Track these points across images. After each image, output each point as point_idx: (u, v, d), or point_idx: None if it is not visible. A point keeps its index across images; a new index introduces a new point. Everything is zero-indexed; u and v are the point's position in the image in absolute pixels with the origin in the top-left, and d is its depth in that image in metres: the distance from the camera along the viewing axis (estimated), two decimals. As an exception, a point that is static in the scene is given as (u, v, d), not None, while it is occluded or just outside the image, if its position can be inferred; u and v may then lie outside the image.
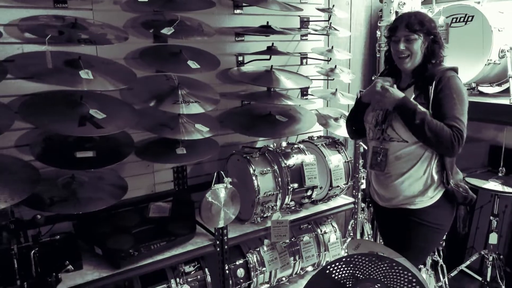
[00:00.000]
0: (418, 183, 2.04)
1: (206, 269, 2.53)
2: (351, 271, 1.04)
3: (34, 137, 2.19)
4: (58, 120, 1.99)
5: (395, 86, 2.06)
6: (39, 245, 2.07)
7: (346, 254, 1.05)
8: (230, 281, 2.61)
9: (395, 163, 2.05)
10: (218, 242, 2.45)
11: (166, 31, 2.33)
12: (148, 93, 2.37)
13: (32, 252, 2.03)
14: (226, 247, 2.48)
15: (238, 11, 2.86)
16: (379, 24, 3.44)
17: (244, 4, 2.83)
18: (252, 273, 2.71)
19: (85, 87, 2.03)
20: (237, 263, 2.67)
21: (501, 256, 3.00)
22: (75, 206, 2.07)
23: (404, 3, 3.26)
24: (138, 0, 2.26)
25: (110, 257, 2.19)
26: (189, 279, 2.48)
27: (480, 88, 3.05)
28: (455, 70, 2.06)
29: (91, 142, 2.18)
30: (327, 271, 1.05)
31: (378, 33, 3.44)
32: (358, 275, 1.02)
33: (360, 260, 1.04)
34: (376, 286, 0.96)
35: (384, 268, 1.03)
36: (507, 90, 2.93)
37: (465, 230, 3.37)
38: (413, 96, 2.02)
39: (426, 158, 2.02)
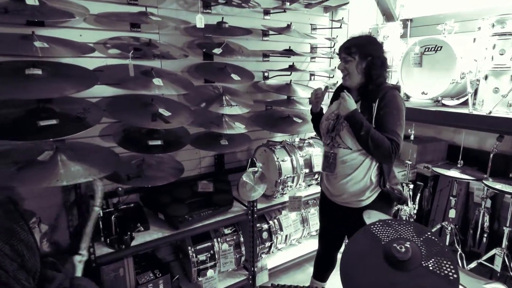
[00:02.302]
0: (359, 184, 1.81)
1: (240, 232, 2.49)
2: (387, 231, 0.99)
3: (115, 129, 2.14)
4: (136, 116, 1.94)
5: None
6: (117, 211, 2.02)
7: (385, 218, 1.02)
8: (258, 241, 2.57)
9: (341, 166, 1.83)
10: (249, 212, 2.41)
11: (216, 50, 2.28)
12: (200, 98, 2.33)
13: (113, 216, 1.99)
14: (255, 215, 2.43)
15: (265, 38, 2.81)
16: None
17: (270, 33, 2.78)
18: (273, 235, 2.67)
19: (156, 91, 1.98)
20: (262, 227, 2.63)
21: (457, 226, 2.97)
22: (145, 181, 2.03)
23: (388, 36, 3.21)
24: (196, 26, 2.19)
25: (171, 221, 2.14)
26: (227, 239, 2.44)
27: (443, 101, 3.02)
28: (397, 88, 1.82)
29: (158, 133, 2.13)
30: (367, 229, 1.01)
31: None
32: (391, 235, 0.98)
33: (395, 224, 1.00)
34: (407, 243, 0.92)
35: (411, 231, 0.99)
36: (465, 102, 2.90)
37: (428, 207, 3.34)
38: (359, 111, 1.76)
39: (367, 164, 1.79)
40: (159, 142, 2.05)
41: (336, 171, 1.85)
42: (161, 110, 2.03)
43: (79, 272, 1.59)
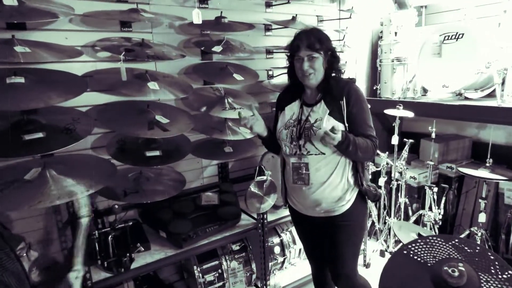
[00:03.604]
0: (337, 189, 1.74)
1: (250, 247, 2.41)
2: (429, 250, 0.91)
3: (109, 140, 2.06)
4: (130, 125, 1.87)
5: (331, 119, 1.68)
6: (115, 230, 1.95)
7: (422, 236, 0.93)
8: (269, 257, 2.49)
9: (315, 174, 1.72)
10: (259, 225, 2.33)
11: (216, 48, 2.21)
12: (200, 101, 2.25)
13: (110, 236, 1.92)
14: (266, 229, 2.35)
15: (268, 33, 2.73)
16: (379, 43, 3.31)
17: (273, 27, 2.71)
18: (286, 250, 2.59)
19: (152, 96, 1.91)
20: (274, 241, 2.55)
21: (487, 231, 2.87)
22: (144, 197, 1.95)
23: (402, 25, 3.13)
24: (192, 23, 2.12)
25: (173, 239, 2.06)
26: (236, 256, 2.36)
27: (465, 94, 2.93)
28: (355, 81, 1.86)
29: (156, 143, 2.06)
30: (405, 252, 0.93)
31: (379, 50, 3.31)
32: (437, 255, 0.89)
33: (437, 241, 0.91)
34: (460, 265, 0.83)
35: (450, 248, 0.91)
36: (490, 94, 2.81)
37: (453, 211, 3.25)
38: (328, 111, 1.67)
39: (341, 164, 1.73)
40: (157, 153, 1.97)
41: (311, 180, 1.74)
42: (158, 117, 1.96)
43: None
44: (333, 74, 1.73)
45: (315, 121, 1.70)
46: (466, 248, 0.87)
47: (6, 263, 1.38)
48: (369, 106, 1.76)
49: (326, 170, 1.72)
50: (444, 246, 0.89)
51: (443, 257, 0.86)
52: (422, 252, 0.90)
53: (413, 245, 0.92)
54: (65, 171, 1.67)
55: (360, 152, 1.64)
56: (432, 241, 0.90)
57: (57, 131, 1.67)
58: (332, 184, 1.73)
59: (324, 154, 1.70)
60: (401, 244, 3.12)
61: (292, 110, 1.80)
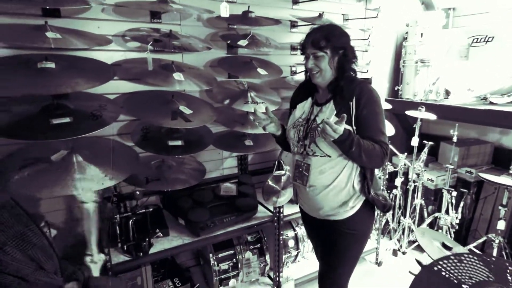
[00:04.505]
0: (341, 194, 1.54)
1: (265, 239, 2.31)
2: (464, 270, 0.77)
3: (133, 128, 1.99)
4: (155, 114, 1.79)
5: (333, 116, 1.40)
6: (135, 215, 1.88)
7: (455, 252, 0.80)
8: (283, 249, 2.38)
9: (319, 177, 1.54)
10: (275, 218, 2.22)
11: (242, 42, 2.09)
12: (223, 94, 2.15)
13: (131, 221, 1.85)
14: (281, 222, 2.24)
15: (294, 29, 2.59)
16: (404, 44, 3.10)
17: (299, 24, 2.56)
18: (300, 244, 2.47)
19: (177, 87, 1.81)
20: (288, 235, 2.44)
21: (505, 239, 2.66)
22: (165, 185, 1.88)
23: (428, 27, 2.91)
24: (219, 17, 2.01)
25: (191, 227, 1.98)
26: (251, 247, 2.26)
27: (491, 99, 2.69)
28: (370, 82, 1.58)
29: (179, 133, 1.98)
30: (436, 268, 0.79)
31: (403, 51, 3.10)
32: (474, 276, 0.75)
33: (473, 260, 0.77)
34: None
35: (483, 267, 0.77)
36: (517, 100, 2.58)
37: (470, 215, 3.03)
38: (335, 112, 1.44)
39: (348, 169, 1.52)
40: (179, 143, 1.89)
41: (313, 182, 1.55)
42: (181, 108, 1.86)
43: (95, 272, 1.45)
44: (346, 75, 1.49)
45: (322, 122, 1.44)
46: (490, 265, 0.72)
47: (32, 239, 1.33)
48: (383, 109, 1.52)
49: (331, 173, 1.53)
50: (482, 267, 0.75)
51: (481, 279, 0.72)
52: (456, 270, 0.77)
53: (445, 261, 0.78)
54: (90, 157, 1.61)
55: (365, 156, 1.43)
56: (468, 259, 0.76)
57: (84, 117, 1.61)
58: (336, 188, 1.54)
59: (329, 156, 1.51)
60: (415, 244, 2.95)
61: (303, 108, 1.62)
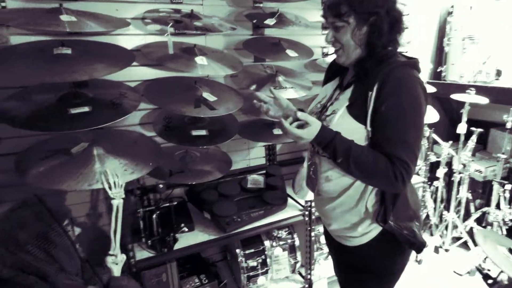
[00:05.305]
0: (351, 214, 1.19)
1: (295, 235, 2.17)
2: None
3: (155, 117, 1.89)
4: (177, 102, 1.66)
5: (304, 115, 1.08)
6: (159, 209, 1.79)
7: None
8: (315, 246, 2.23)
9: (325, 185, 1.20)
10: (306, 213, 2.06)
11: (269, 21, 1.91)
12: (249, 79, 1.99)
13: (155, 215, 1.76)
14: (313, 217, 2.08)
15: (325, 6, 2.37)
16: (448, 19, 2.78)
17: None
18: (333, 240, 2.31)
19: (200, 72, 1.68)
20: (320, 231, 2.28)
21: None
22: (189, 177, 1.77)
23: (479, -2, 2.58)
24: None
25: (217, 222, 1.87)
26: (280, 243, 2.13)
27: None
28: (412, 65, 1.09)
29: (203, 122, 1.85)
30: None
31: (448, 28, 2.78)
32: None
33: None
34: None
35: None
36: None
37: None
38: (347, 103, 1.11)
39: (360, 185, 1.15)
40: (204, 132, 1.76)
41: (320, 190, 1.23)
42: (205, 95, 1.73)
43: (116, 272, 1.38)
44: (376, 53, 1.08)
45: (331, 113, 1.15)
46: None
47: (54, 238, 1.27)
48: (422, 108, 1.06)
49: (338, 184, 1.18)
50: None
51: None
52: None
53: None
54: (111, 149, 1.52)
55: (360, 173, 1.07)
56: None
57: (103, 106, 1.51)
58: (344, 205, 1.20)
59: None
60: (459, 241, 2.70)
61: (326, 91, 1.29)
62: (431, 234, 2.85)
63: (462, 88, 2.48)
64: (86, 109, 1.46)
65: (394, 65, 1.06)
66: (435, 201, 2.81)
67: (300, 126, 1.08)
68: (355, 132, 1.08)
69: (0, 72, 1.33)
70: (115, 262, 1.26)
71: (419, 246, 1.20)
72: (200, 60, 1.69)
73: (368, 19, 1.06)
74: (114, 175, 1.24)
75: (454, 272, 2.50)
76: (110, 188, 1.23)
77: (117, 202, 1.22)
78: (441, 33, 2.92)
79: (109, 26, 1.58)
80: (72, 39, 1.58)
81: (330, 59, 2.35)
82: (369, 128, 1.07)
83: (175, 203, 1.82)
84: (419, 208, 1.29)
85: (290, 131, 1.06)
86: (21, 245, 1.15)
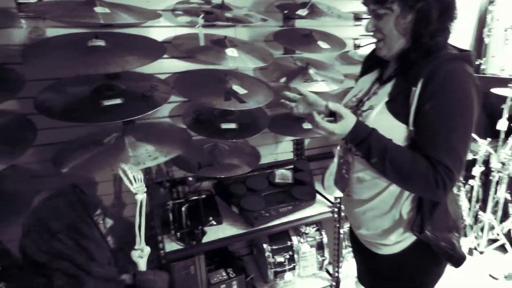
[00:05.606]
0: (382, 219, 1.10)
1: (323, 231, 2.12)
2: None
3: (185, 109, 1.88)
4: (207, 94, 1.64)
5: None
6: (188, 202, 1.79)
7: None
8: (344, 243, 2.18)
9: (357, 186, 1.12)
10: (335, 209, 2.00)
11: (301, 12, 1.85)
12: (279, 71, 1.94)
13: (183, 207, 1.76)
14: (342, 214, 2.02)
15: (358, -4, 2.27)
16: (489, 8, 2.61)
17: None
18: (362, 238, 2.24)
19: (230, 64, 1.64)
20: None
21: None
22: (218, 171, 1.75)
23: (525, -16, 2.40)
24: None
25: (245, 216, 1.84)
26: (308, 239, 2.08)
27: None
28: (465, 58, 0.97)
29: (232, 115, 1.83)
30: None
31: (489, 17, 2.61)
32: None
33: None
34: None
35: None
36: None
37: None
38: (386, 99, 1.01)
39: (396, 189, 1.06)
40: (233, 126, 1.73)
41: (351, 190, 1.15)
42: (235, 87, 1.70)
43: (142, 267, 1.38)
44: (423, 43, 0.98)
45: (368, 108, 1.06)
46: None
47: (84, 229, 1.29)
48: (470, 111, 0.94)
49: (371, 186, 1.09)
50: None
51: None
52: None
53: None
54: (142, 138, 1.53)
55: (395, 175, 0.97)
56: None
57: (135, 98, 1.51)
58: (376, 210, 1.11)
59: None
60: (496, 244, 2.56)
61: (363, 84, 1.19)
62: (465, 235, 2.71)
63: (503, 82, 2.33)
64: (118, 101, 1.47)
65: (443, 58, 0.96)
66: (469, 200, 2.67)
67: (333, 122, 1.01)
68: (394, 131, 0.99)
69: (37, 64, 1.35)
70: (141, 256, 1.26)
71: (458, 260, 1.09)
72: (230, 52, 1.66)
73: (414, 6, 0.95)
74: (133, 170, 1.23)
75: (490, 275, 2.37)
76: (131, 183, 1.22)
77: (141, 196, 1.22)
78: (481, 23, 2.75)
79: (141, 18, 1.56)
80: (104, 31, 1.58)
81: (362, 51, 2.28)
82: (411, 128, 0.97)
83: (204, 196, 1.81)
84: (459, 218, 1.18)
85: (322, 125, 0.99)
86: (53, 233, 1.17)
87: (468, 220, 2.68)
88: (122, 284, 1.22)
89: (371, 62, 1.22)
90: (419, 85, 0.95)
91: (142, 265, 1.25)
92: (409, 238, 1.09)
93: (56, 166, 1.38)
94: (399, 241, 1.10)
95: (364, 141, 0.98)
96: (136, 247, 1.23)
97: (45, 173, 1.61)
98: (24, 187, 1.57)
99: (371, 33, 1.07)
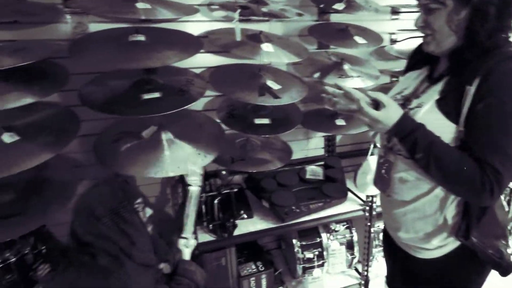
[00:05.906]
0: (425, 223, 1.06)
1: (354, 229, 2.09)
2: None
3: (219, 103, 1.90)
4: (241, 89, 1.65)
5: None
6: (220, 195, 1.81)
7: None
8: (374, 242, 2.14)
9: (398, 186, 1.08)
10: (367, 208, 1.96)
11: (338, 6, 1.79)
12: (313, 66, 1.91)
13: (216, 200, 1.79)
14: (374, 212, 1.98)
15: (397, -11, 2.18)
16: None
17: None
18: (393, 238, 2.19)
19: (265, 59, 1.64)
20: (380, 227, 2.16)
21: None
22: (250, 165, 1.76)
23: None
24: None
25: (276, 211, 1.85)
26: (338, 237, 2.06)
27: None
28: None
29: (265, 110, 1.82)
30: None
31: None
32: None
33: None
34: None
35: None
36: None
37: None
38: (437, 97, 0.96)
39: (441, 192, 1.01)
40: (266, 121, 1.74)
41: (391, 191, 1.11)
42: (269, 83, 1.69)
43: (186, 256, 1.42)
44: (478, 42, 0.91)
45: (416, 106, 1.01)
46: None
47: (126, 216, 1.34)
48: None
49: (414, 187, 1.05)
50: None
51: None
52: None
53: None
54: (179, 134, 1.56)
55: (439, 173, 0.93)
56: None
57: (172, 92, 1.55)
58: (418, 212, 1.06)
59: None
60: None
61: (409, 80, 1.14)
62: (503, 240, 2.58)
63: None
64: (157, 95, 1.50)
65: (503, 56, 0.90)
66: (509, 203, 2.54)
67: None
68: (444, 130, 0.94)
69: (81, 58, 1.41)
70: (186, 245, 1.29)
71: (507, 268, 1.04)
72: (266, 47, 1.65)
73: (469, 1, 0.89)
74: (193, 163, 1.27)
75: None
76: (188, 175, 1.27)
77: (194, 189, 1.26)
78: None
79: (180, 13, 1.58)
80: (144, 26, 1.62)
81: (399, 46, 2.20)
82: (461, 128, 0.92)
83: (235, 190, 1.83)
84: (507, 225, 1.12)
85: (366, 111, 0.96)
86: (98, 218, 1.22)
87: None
88: (160, 273, 1.26)
89: (417, 58, 1.17)
90: (475, 84, 0.90)
91: (187, 254, 1.30)
92: (452, 244, 1.06)
93: (97, 156, 1.45)
94: (441, 246, 1.07)
95: (410, 135, 0.94)
96: (183, 235, 1.28)
97: (87, 163, 1.68)
98: (67, 175, 1.65)
99: (420, 28, 1.02)
